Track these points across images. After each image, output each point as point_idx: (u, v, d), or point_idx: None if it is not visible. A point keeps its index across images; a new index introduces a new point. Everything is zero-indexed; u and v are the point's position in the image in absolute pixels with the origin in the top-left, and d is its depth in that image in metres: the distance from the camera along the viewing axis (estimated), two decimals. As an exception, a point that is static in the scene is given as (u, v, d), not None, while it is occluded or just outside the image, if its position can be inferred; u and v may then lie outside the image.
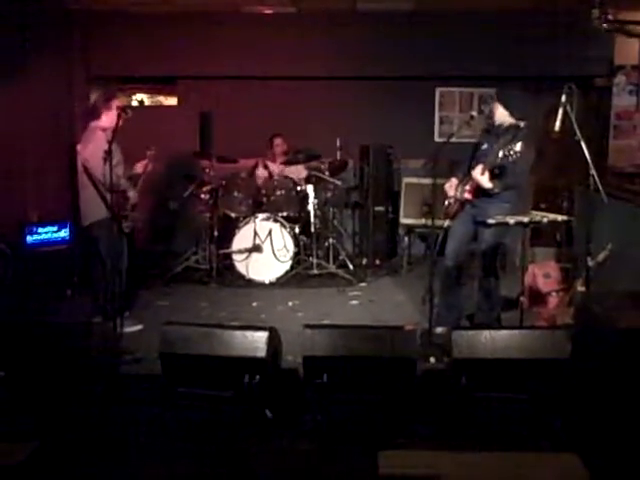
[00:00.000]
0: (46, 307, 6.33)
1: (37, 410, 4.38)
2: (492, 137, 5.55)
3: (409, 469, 3.87)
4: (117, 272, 5.76)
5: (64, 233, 6.98)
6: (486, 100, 8.04)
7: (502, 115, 5.48)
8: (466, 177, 5.56)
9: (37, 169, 7.24)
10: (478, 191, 5.41)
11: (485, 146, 5.57)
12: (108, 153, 5.24)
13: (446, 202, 5.69)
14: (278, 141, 8.38)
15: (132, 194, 5.96)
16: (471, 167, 5.53)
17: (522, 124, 5.43)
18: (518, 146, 4.98)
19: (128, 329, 5.69)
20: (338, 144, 8.20)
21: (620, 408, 4.19)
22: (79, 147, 5.91)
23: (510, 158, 5.02)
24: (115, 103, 5.89)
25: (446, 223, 5.76)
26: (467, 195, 5.50)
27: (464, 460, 3.96)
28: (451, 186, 5.65)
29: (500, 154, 5.08)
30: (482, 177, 5.28)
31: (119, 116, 5.61)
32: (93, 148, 5.68)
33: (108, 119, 5.81)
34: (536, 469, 3.83)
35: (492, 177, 5.27)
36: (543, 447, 4.04)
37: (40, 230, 6.80)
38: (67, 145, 7.65)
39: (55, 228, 6.92)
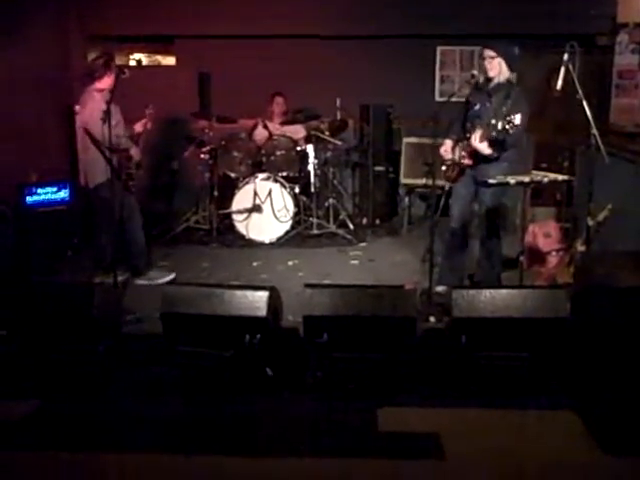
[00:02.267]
0: (47, 267, 6.35)
1: (38, 369, 4.42)
2: (483, 95, 5.45)
3: (409, 427, 3.92)
4: (131, 231, 5.95)
5: (64, 194, 6.96)
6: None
7: (500, 70, 5.36)
8: (461, 139, 5.50)
9: (35, 129, 7.20)
10: (477, 155, 5.37)
11: (478, 106, 5.47)
12: (107, 113, 5.22)
13: (443, 167, 5.64)
14: (279, 100, 8.32)
15: (134, 151, 5.99)
16: (465, 128, 5.49)
17: (513, 79, 5.38)
18: (518, 119, 4.87)
19: (160, 280, 6.00)
20: (338, 104, 8.15)
21: (618, 366, 4.22)
22: (77, 109, 5.90)
23: (511, 130, 4.93)
24: (113, 65, 5.86)
25: (447, 186, 5.73)
26: (467, 161, 5.45)
27: (463, 418, 4.01)
28: (446, 150, 5.58)
29: (499, 126, 4.97)
30: (481, 144, 5.23)
31: (117, 76, 5.59)
32: (91, 110, 5.69)
33: (105, 81, 5.80)
34: (535, 426, 3.88)
35: (491, 144, 5.23)
36: (542, 405, 4.08)
37: (39, 191, 6.77)
38: (65, 105, 7.62)
39: (55, 189, 6.89)
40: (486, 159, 5.33)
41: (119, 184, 5.64)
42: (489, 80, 5.44)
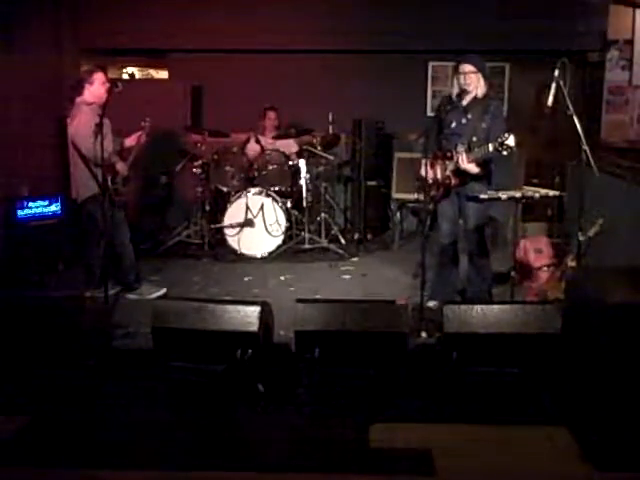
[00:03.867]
0: (37, 281, 6.32)
1: (28, 384, 4.39)
2: (458, 111, 5.39)
3: (400, 442, 3.91)
4: (119, 245, 5.92)
5: (55, 207, 6.95)
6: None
7: (478, 85, 5.31)
8: (438, 156, 5.45)
9: (27, 143, 7.19)
10: (462, 174, 5.35)
11: (454, 124, 5.40)
12: (99, 127, 5.21)
13: (426, 189, 5.54)
14: (271, 115, 8.33)
15: (120, 166, 5.94)
16: (441, 146, 5.46)
17: (489, 93, 5.37)
18: (512, 140, 4.84)
19: (151, 295, 5.93)
20: (330, 118, 8.17)
21: (610, 382, 4.22)
22: (68, 121, 5.90)
23: (504, 152, 4.90)
24: (97, 77, 5.82)
25: (431, 206, 5.70)
26: (454, 182, 5.42)
27: (454, 433, 3.99)
28: (426, 171, 5.49)
29: (491, 148, 4.98)
30: (469, 165, 5.24)
31: (109, 90, 5.59)
32: (78, 124, 5.70)
33: (91, 94, 5.79)
34: (527, 442, 3.87)
35: (478, 164, 5.25)
36: (533, 421, 4.08)
37: (31, 204, 6.76)
38: (57, 118, 7.61)
39: (46, 202, 6.88)
40: (472, 177, 5.34)
41: (105, 199, 5.62)
42: (461, 95, 5.40)
